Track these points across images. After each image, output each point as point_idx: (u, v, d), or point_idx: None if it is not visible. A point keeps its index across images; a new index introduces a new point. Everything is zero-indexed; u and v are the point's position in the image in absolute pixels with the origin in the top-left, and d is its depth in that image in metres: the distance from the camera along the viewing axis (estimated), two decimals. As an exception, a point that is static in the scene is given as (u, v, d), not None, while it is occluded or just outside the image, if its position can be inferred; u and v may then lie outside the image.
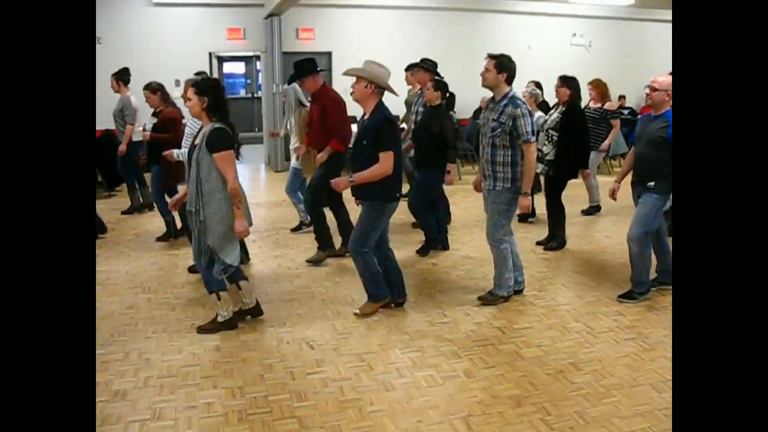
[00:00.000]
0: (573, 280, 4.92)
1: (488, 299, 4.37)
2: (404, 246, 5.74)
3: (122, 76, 7.03)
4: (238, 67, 15.44)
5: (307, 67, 5.11)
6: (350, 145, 4.52)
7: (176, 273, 5.03)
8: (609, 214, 7.01)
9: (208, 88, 3.61)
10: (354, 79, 3.92)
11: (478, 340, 3.78)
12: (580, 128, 5.64)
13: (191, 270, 4.94)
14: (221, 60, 14.53)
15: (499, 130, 4.01)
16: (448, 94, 5.41)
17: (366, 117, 3.97)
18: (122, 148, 6.98)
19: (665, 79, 4.09)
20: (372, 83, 3.85)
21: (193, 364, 3.46)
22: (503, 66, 4.01)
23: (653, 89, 4.07)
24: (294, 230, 6.38)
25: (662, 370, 3.39)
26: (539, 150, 5.52)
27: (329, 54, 10.34)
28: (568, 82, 5.66)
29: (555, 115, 5.78)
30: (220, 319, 3.85)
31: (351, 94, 4.01)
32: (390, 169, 3.83)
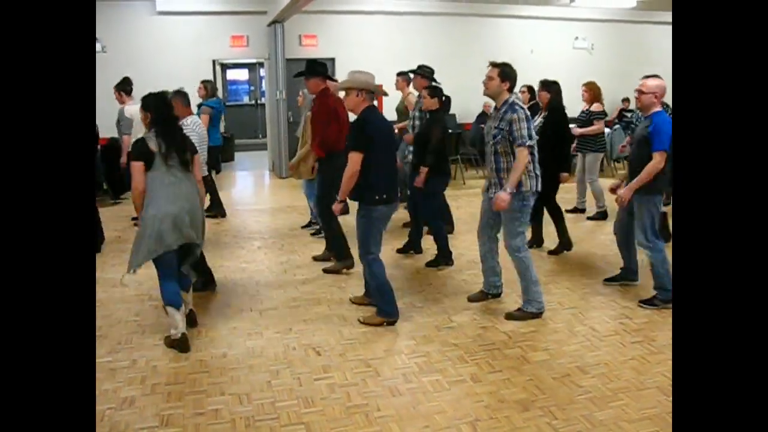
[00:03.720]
0: (578, 283, 4.91)
1: (516, 316, 4.15)
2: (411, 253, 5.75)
3: (124, 87, 6.89)
4: (242, 74, 15.53)
5: (318, 69, 5.09)
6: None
7: (182, 280, 5.03)
8: (614, 217, 6.97)
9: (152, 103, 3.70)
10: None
11: (484, 345, 3.78)
12: (559, 132, 5.58)
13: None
14: (224, 67, 14.61)
15: (500, 136, 3.99)
16: (444, 98, 5.42)
17: None
18: (123, 159, 6.76)
19: (654, 82, 4.18)
20: (362, 90, 3.93)
21: (201, 371, 3.47)
22: (507, 75, 3.98)
23: (641, 92, 4.20)
24: (304, 227, 6.65)
25: (669, 373, 3.38)
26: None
27: (332, 60, 10.37)
28: (548, 86, 5.65)
29: (539, 120, 5.76)
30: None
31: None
32: (355, 166, 3.83)
